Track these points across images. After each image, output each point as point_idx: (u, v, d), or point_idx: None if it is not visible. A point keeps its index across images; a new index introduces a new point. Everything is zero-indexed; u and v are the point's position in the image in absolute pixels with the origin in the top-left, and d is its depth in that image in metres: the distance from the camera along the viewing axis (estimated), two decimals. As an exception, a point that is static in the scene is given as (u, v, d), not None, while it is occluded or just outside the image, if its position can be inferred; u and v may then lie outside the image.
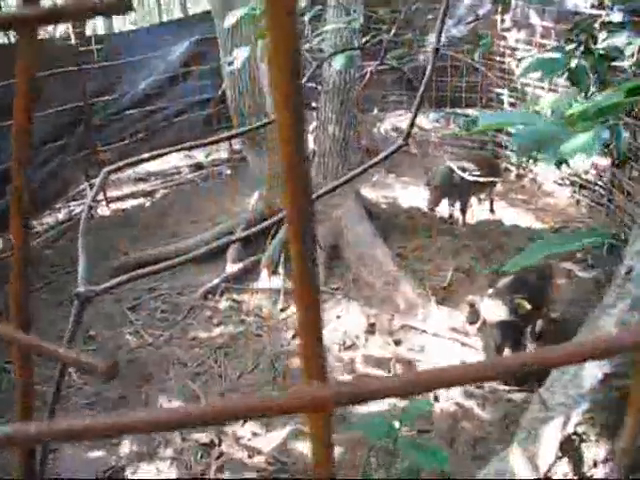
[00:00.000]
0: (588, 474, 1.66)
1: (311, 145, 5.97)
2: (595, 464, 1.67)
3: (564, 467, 1.74)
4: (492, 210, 6.48)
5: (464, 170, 5.32)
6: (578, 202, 6.74)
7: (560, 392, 1.90)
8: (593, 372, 1.81)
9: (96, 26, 11.98)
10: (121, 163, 2.62)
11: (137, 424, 0.32)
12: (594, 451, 1.69)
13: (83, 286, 2.27)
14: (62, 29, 8.19)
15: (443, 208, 6.24)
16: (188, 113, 7.54)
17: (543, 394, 2.01)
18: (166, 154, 2.63)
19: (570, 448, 1.70)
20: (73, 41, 6.34)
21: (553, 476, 1.67)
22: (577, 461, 1.68)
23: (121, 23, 13.31)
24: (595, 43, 2.83)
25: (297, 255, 0.32)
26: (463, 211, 6.17)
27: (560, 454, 1.71)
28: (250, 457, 3.77)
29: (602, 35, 2.82)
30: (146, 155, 2.51)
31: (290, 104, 0.31)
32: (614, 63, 2.91)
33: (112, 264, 5.60)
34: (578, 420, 1.77)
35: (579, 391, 1.82)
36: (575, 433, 1.75)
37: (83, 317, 1.69)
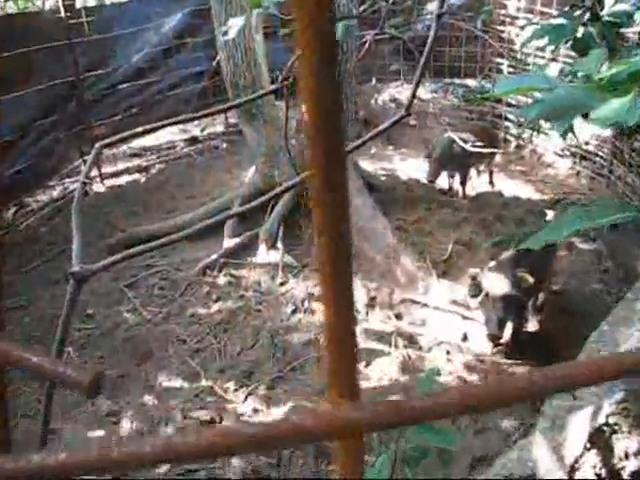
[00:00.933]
0: (618, 466, 1.61)
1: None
2: (627, 456, 1.62)
3: (592, 459, 1.68)
4: (492, 182, 6.41)
5: (464, 142, 5.24)
6: (578, 173, 6.67)
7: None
8: None
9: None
10: (114, 138, 2.54)
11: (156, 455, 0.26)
12: (626, 443, 1.64)
13: (78, 265, 2.20)
14: (51, 1, 8.03)
15: (442, 180, 6.18)
16: (182, 86, 7.42)
17: None
18: (160, 128, 2.56)
19: (600, 439, 1.64)
20: (63, 14, 6.19)
21: (580, 468, 1.62)
22: (607, 453, 1.63)
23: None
24: (602, 9, 2.74)
25: (327, 246, 0.26)
26: (463, 183, 6.10)
27: (589, 445, 1.65)
28: (251, 434, 3.74)
29: (609, 0, 2.73)
30: (140, 129, 2.44)
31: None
32: (621, 30, 2.83)
33: (108, 241, 5.53)
34: (611, 410, 1.70)
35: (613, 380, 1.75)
36: (606, 424, 1.69)
37: (79, 296, 1.63)
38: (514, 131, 7.29)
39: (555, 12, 5.61)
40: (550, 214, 5.75)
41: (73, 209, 2.38)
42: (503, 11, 6.94)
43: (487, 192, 6.28)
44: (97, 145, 2.42)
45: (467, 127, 6.44)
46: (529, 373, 0.26)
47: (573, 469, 1.61)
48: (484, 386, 0.26)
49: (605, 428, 1.68)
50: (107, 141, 2.62)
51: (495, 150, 5.45)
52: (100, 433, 3.79)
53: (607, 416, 1.71)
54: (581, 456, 1.64)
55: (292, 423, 0.24)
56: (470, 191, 6.21)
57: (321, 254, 0.25)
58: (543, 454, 1.67)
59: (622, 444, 1.65)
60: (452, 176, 6.16)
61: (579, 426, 1.72)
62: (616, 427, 1.65)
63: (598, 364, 0.27)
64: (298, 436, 0.25)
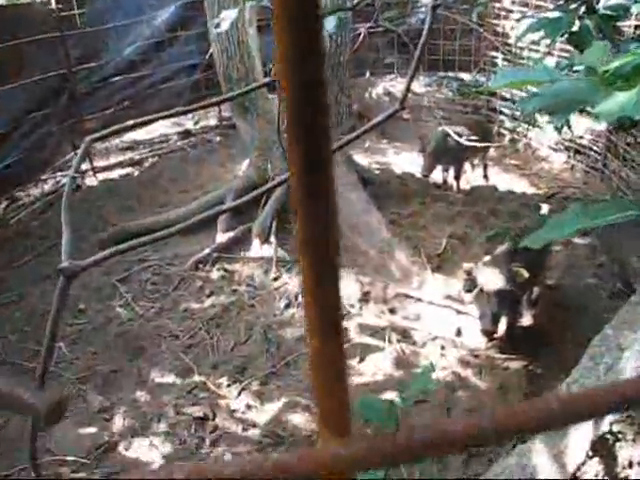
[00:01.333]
0: (622, 475, 1.58)
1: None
2: (630, 465, 1.59)
3: (595, 467, 1.65)
4: (486, 176, 6.38)
5: (459, 135, 5.21)
6: (573, 167, 6.65)
7: (593, 385, 1.80)
8: (634, 365, 1.71)
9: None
10: (104, 132, 2.51)
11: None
12: (630, 451, 1.61)
13: (67, 261, 2.17)
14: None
15: (437, 174, 6.16)
16: (175, 79, 7.36)
17: (572, 387, 1.92)
18: (151, 121, 2.52)
19: (603, 447, 1.62)
20: (54, 5, 6.12)
21: (582, 476, 1.59)
22: (610, 461, 1.60)
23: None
24: (598, 2, 2.71)
25: (311, 267, 0.23)
26: (457, 177, 6.08)
27: (591, 453, 1.62)
28: (245, 430, 3.72)
29: (605, -7, 2.70)
30: (130, 122, 2.40)
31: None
32: (617, 24, 2.80)
33: (101, 236, 5.49)
34: (614, 418, 1.67)
35: None
36: (610, 432, 1.66)
37: (69, 292, 1.60)
38: (509, 125, 7.27)
39: (550, 5, 5.58)
40: (545, 208, 5.74)
41: (62, 204, 2.34)
42: (498, 4, 6.90)
43: (481, 186, 6.26)
44: (87, 139, 2.38)
45: (461, 120, 6.41)
46: (547, 402, 0.23)
47: (575, 478, 1.58)
48: (490, 417, 0.23)
49: (608, 436, 1.65)
50: (97, 135, 2.58)
51: (489, 144, 5.42)
52: (92, 430, 3.76)
53: (611, 424, 1.68)
54: (583, 464, 1.61)
55: (275, 462, 0.21)
56: (465, 185, 6.19)
57: (305, 275, 0.23)
58: (543, 462, 1.64)
59: (626, 452, 1.62)
60: (446, 170, 6.13)
61: (581, 433, 1.69)
62: (620, 435, 1.63)
63: (618, 391, 0.24)
64: (283, 475, 0.22)
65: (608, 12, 2.59)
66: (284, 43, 0.22)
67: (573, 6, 2.70)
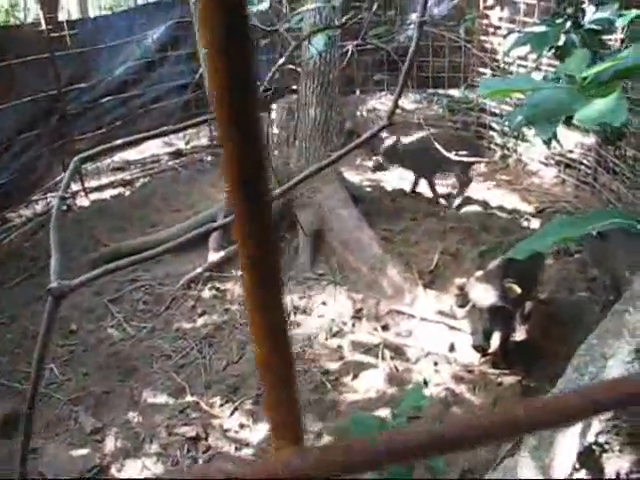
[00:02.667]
0: None
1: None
2: (618, 477, 1.57)
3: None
4: (461, 191, 6.27)
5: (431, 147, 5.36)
6: (564, 181, 6.67)
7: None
8: (619, 374, 1.69)
9: (70, 11, 11.70)
10: (93, 150, 2.50)
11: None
12: (617, 463, 1.59)
13: (56, 282, 2.15)
14: (33, 14, 7.99)
15: (425, 189, 6.22)
16: (166, 99, 7.38)
17: None
18: (140, 140, 2.52)
19: (590, 459, 1.60)
20: (44, 27, 6.14)
21: None
22: (597, 474, 1.58)
23: (96, 8, 12.99)
24: (583, 17, 2.74)
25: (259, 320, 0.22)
26: (431, 187, 6.26)
27: (578, 466, 1.60)
28: (238, 450, 3.69)
29: (590, 8, 2.73)
30: (119, 141, 2.40)
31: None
32: (603, 37, 2.82)
33: (92, 256, 5.47)
34: (600, 428, 1.65)
35: None
36: (596, 443, 1.64)
37: (59, 312, 1.59)
38: (499, 140, 7.30)
39: (537, 21, 5.62)
40: (536, 223, 5.75)
41: (51, 225, 2.34)
42: (486, 21, 6.96)
43: (472, 201, 6.24)
44: (75, 158, 2.38)
45: (441, 133, 6.39)
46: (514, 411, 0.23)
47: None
48: (451, 426, 0.22)
49: (595, 447, 1.63)
50: (85, 154, 2.58)
51: (464, 159, 5.31)
52: (84, 452, 3.72)
53: (597, 434, 1.66)
54: (570, 477, 1.59)
55: (227, 474, 0.21)
56: (456, 201, 6.17)
57: (252, 325, 0.22)
58: (530, 475, 1.62)
59: (613, 464, 1.60)
60: (420, 178, 6.26)
61: (567, 445, 1.67)
62: (606, 446, 1.61)
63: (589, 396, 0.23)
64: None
65: (593, 26, 2.61)
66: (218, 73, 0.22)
67: (559, 21, 2.72)
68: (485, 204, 6.18)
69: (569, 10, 2.74)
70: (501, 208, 6.09)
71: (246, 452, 3.66)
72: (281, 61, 2.97)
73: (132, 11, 7.58)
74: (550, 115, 1.20)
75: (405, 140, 6.15)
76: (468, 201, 6.14)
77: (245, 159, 0.23)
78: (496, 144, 7.36)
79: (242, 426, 3.84)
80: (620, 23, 2.56)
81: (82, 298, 4.96)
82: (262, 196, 0.23)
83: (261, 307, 0.22)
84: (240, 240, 0.23)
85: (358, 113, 7.95)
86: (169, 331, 4.70)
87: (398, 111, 7.89)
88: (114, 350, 4.53)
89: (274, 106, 6.39)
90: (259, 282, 0.22)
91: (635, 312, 1.85)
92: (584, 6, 2.81)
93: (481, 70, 7.28)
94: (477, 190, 6.47)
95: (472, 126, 7.56)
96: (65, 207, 6.36)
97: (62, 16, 7.11)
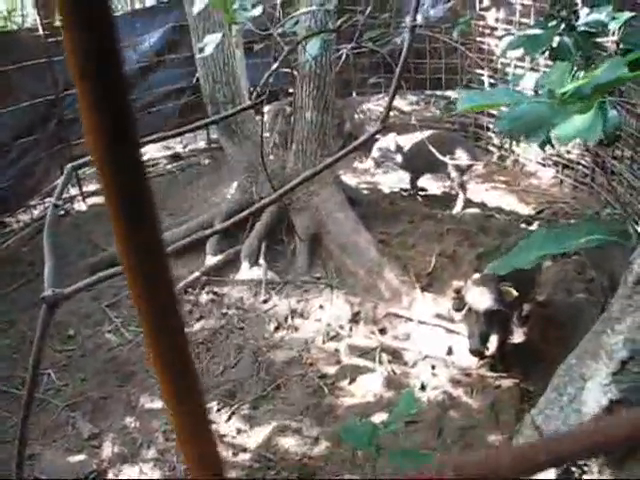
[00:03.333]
0: None
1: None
2: None
3: None
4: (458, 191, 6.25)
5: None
6: (561, 182, 6.67)
7: (557, 417, 1.76)
8: (596, 396, 1.67)
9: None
10: (87, 158, 2.50)
11: None
12: None
13: (50, 289, 2.14)
14: (30, 20, 7.99)
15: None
16: (163, 103, 7.37)
17: (536, 418, 1.88)
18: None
19: None
20: (41, 32, 6.13)
21: None
22: None
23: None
24: (577, 19, 2.73)
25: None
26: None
27: None
28: (235, 455, 3.68)
29: (584, 11, 2.72)
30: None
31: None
32: (596, 40, 2.81)
33: (90, 261, 5.46)
34: None
35: (580, 418, 1.68)
36: (575, 464, 1.62)
37: (55, 319, 1.58)
38: (496, 141, 7.29)
39: (534, 22, 5.61)
40: (534, 224, 5.75)
41: (45, 232, 2.33)
42: (482, 22, 6.95)
43: (470, 202, 6.23)
44: (68, 166, 2.38)
45: (434, 134, 6.34)
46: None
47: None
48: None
49: (573, 469, 1.61)
50: (80, 161, 2.58)
51: (446, 160, 5.23)
52: (81, 457, 3.71)
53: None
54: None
55: None
56: (458, 206, 6.12)
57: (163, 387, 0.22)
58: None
59: (592, 485, 1.58)
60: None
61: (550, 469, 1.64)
62: (585, 467, 1.59)
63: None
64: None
65: (587, 29, 2.60)
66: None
67: (552, 23, 2.71)
68: (483, 206, 6.17)
69: (563, 12, 2.74)
70: (499, 209, 6.08)
71: (243, 457, 3.65)
72: (275, 66, 2.96)
73: (129, 15, 7.57)
74: (530, 129, 1.19)
75: (400, 141, 6.12)
76: (466, 203, 6.12)
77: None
78: (494, 145, 7.35)
79: (239, 431, 3.83)
80: (614, 25, 2.56)
81: (80, 303, 4.96)
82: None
83: (161, 333, 0.21)
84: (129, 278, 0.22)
85: (356, 115, 7.94)
86: (166, 336, 4.68)
87: (395, 113, 7.91)
88: (112, 355, 4.53)
89: (266, 108, 6.39)
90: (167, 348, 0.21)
91: (612, 334, 1.83)
92: (578, 8, 2.80)
93: (478, 71, 7.27)
94: (475, 191, 6.46)
95: (470, 127, 7.56)
96: (63, 212, 6.35)
97: (58, 21, 7.11)
